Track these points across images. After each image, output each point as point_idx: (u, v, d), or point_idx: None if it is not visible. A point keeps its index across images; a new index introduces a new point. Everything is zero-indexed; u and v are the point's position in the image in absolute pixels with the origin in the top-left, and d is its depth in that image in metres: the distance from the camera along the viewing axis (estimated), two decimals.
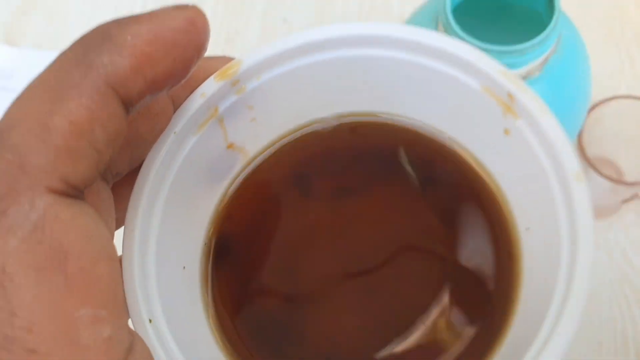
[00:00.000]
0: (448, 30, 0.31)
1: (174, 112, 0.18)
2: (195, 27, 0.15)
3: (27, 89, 0.13)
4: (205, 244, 0.20)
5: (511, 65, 0.32)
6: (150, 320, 0.16)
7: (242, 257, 0.20)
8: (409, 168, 0.21)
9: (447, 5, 0.32)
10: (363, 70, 0.19)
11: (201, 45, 0.15)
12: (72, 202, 0.13)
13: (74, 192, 0.13)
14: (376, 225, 0.20)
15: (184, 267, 0.18)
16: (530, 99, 0.17)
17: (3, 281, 0.11)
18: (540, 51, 0.32)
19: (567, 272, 0.15)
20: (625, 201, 0.49)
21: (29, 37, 0.64)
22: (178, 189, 0.18)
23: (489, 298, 0.19)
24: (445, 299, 0.19)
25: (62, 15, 0.65)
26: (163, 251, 0.17)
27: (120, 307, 0.13)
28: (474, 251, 0.19)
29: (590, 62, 0.39)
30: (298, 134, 0.21)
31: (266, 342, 0.19)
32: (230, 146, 0.20)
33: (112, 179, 0.16)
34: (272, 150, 0.21)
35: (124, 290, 0.15)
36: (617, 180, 0.48)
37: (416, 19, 0.37)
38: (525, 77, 0.33)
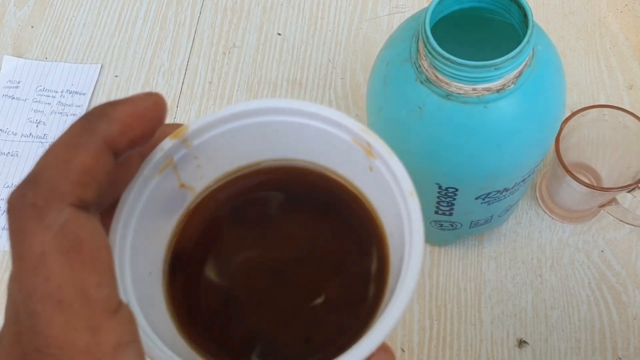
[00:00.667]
0: (427, 47, 0.34)
1: (142, 162, 0.24)
2: (158, 106, 0.22)
3: (54, 145, 0.20)
4: (164, 256, 0.26)
5: (487, 79, 0.34)
6: (127, 302, 0.21)
7: (192, 266, 0.27)
8: (311, 196, 0.28)
9: (426, 22, 0.34)
10: (274, 130, 0.26)
11: (162, 117, 0.22)
12: (85, 213, 0.19)
13: (86, 207, 0.19)
14: (291, 239, 0.28)
15: (150, 273, 0.25)
16: (381, 145, 0.24)
17: (42, 259, 0.18)
18: (514, 65, 0.34)
19: (408, 252, 0.22)
20: (603, 206, 0.51)
21: (36, 49, 0.66)
22: (145, 216, 0.24)
23: (370, 278, 0.26)
24: (342, 281, 0.27)
25: (67, 28, 0.67)
26: (135, 260, 0.24)
27: (114, 279, 0.19)
28: (362, 249, 0.27)
29: (565, 73, 0.41)
30: (232, 176, 0.28)
31: (209, 326, 0.26)
32: (182, 186, 0.26)
33: (99, 209, 0.22)
34: (213, 188, 0.28)
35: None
36: (594, 186, 0.50)
37: (400, 35, 0.40)
38: (500, 90, 0.35)
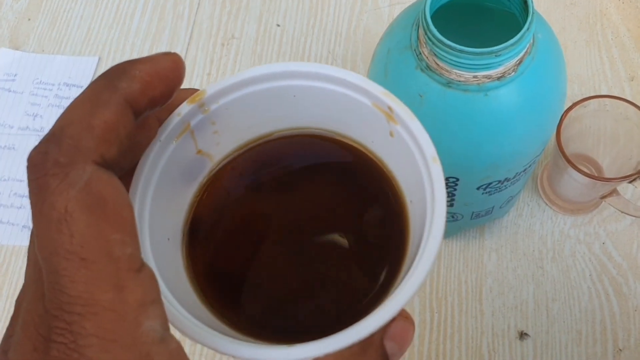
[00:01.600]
0: (427, 34, 0.34)
1: (159, 127, 0.24)
2: (177, 66, 0.21)
3: (75, 102, 0.19)
4: (183, 223, 0.26)
5: (487, 66, 0.34)
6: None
7: (208, 233, 0.27)
8: (329, 164, 0.28)
9: (426, 9, 0.34)
10: (292, 95, 0.25)
11: (181, 78, 0.22)
12: (107, 171, 0.19)
13: (108, 166, 0.19)
14: (310, 207, 0.28)
15: (169, 239, 0.25)
16: (403, 109, 0.24)
17: (66, 216, 0.17)
18: (514, 53, 0.34)
19: (430, 218, 0.22)
20: (604, 197, 0.51)
21: (33, 41, 0.66)
22: (163, 182, 0.24)
23: (389, 245, 0.26)
24: (361, 248, 0.26)
25: (64, 21, 0.67)
26: (153, 225, 0.23)
27: (137, 239, 0.19)
28: (380, 217, 0.27)
29: (567, 65, 0.41)
30: (250, 145, 0.28)
31: (229, 292, 0.26)
32: (199, 152, 0.26)
33: (119, 172, 0.21)
34: (232, 156, 0.28)
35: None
36: (595, 176, 0.50)
37: (401, 23, 0.39)
38: (500, 77, 0.35)
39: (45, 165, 0.18)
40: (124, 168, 0.23)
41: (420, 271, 0.21)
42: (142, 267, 0.18)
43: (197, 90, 0.25)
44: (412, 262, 0.22)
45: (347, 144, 0.27)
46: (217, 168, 0.27)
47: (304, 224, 0.27)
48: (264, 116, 0.27)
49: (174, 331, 0.20)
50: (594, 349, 0.49)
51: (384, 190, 0.26)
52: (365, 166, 0.27)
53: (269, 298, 0.26)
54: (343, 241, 0.26)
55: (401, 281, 0.22)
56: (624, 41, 0.61)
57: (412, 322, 0.22)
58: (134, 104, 0.20)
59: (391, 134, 0.24)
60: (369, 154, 0.27)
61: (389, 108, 0.24)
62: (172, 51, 0.22)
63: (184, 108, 0.24)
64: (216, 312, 0.24)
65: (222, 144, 0.27)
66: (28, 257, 0.20)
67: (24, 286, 0.19)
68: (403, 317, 0.22)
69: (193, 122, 0.25)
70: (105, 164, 0.19)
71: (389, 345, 0.22)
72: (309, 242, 0.26)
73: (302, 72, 0.25)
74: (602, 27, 0.63)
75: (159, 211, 0.24)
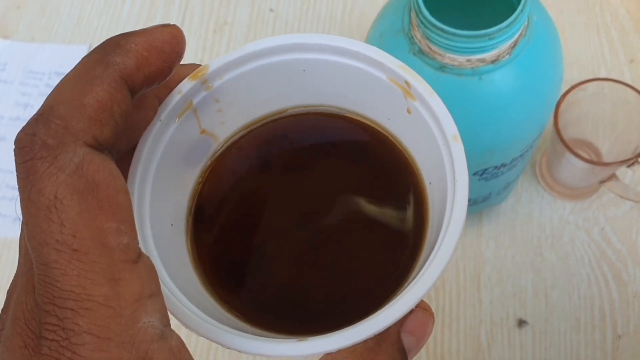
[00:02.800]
0: (419, 16, 0.33)
1: (159, 106, 0.23)
2: (176, 39, 0.20)
3: (65, 79, 0.18)
4: (187, 207, 0.25)
5: (481, 49, 0.33)
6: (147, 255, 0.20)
7: (214, 217, 0.25)
8: (341, 144, 0.26)
9: None
10: (301, 70, 0.24)
11: (180, 52, 0.20)
12: (100, 154, 0.18)
13: (102, 148, 0.18)
14: (321, 190, 0.26)
15: (172, 224, 0.23)
16: (421, 84, 0.22)
17: (55, 203, 0.16)
18: (508, 35, 0.33)
19: (451, 202, 0.21)
20: (603, 182, 0.50)
21: (22, 30, 0.65)
22: (165, 164, 0.23)
23: (405, 230, 0.24)
24: (376, 233, 0.25)
25: (54, 8, 0.66)
26: (155, 211, 0.22)
27: (134, 227, 0.18)
28: (397, 200, 0.25)
29: (565, 48, 0.40)
30: (257, 123, 0.26)
31: (236, 280, 0.24)
32: (203, 132, 0.25)
33: (115, 155, 0.20)
34: (237, 136, 0.26)
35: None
36: (593, 161, 0.49)
37: (393, 6, 0.38)
38: (495, 61, 0.34)
39: (33, 147, 0.17)
40: (121, 150, 0.22)
41: (441, 259, 0.20)
42: (139, 257, 0.17)
43: (199, 65, 0.23)
44: (431, 249, 0.21)
45: (360, 121, 0.26)
46: (222, 149, 0.26)
47: (315, 207, 0.25)
48: (272, 93, 0.25)
49: (174, 322, 0.19)
50: (593, 335, 0.49)
51: (401, 171, 0.25)
52: (380, 145, 0.25)
53: (277, 285, 0.24)
54: (357, 225, 0.25)
55: (420, 269, 0.21)
56: (623, 23, 0.60)
57: (431, 314, 0.21)
58: (129, 80, 0.19)
59: (409, 111, 0.23)
60: (384, 133, 0.25)
61: (406, 83, 0.22)
62: (171, 23, 0.20)
63: (186, 85, 0.23)
64: (222, 300, 0.23)
65: (227, 123, 0.25)
66: (20, 245, 0.19)
67: (16, 276, 0.18)
68: (422, 308, 0.20)
69: (196, 100, 0.23)
70: (99, 146, 0.18)
71: (407, 339, 0.21)
72: (321, 227, 0.25)
73: (312, 44, 0.23)
74: (601, 9, 0.61)
75: (161, 196, 0.22)
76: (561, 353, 0.48)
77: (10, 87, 0.62)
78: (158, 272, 0.19)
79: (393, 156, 0.25)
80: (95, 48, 0.19)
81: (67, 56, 0.63)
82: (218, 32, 0.63)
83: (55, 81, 0.62)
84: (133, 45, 0.19)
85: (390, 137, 0.25)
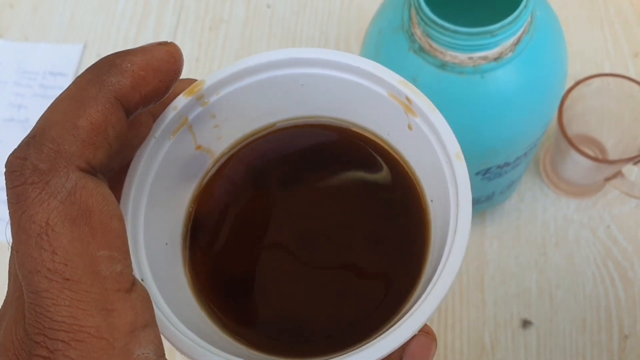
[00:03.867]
0: (419, 13, 0.32)
1: (153, 123, 0.22)
2: (174, 57, 0.19)
3: (58, 99, 0.18)
4: (183, 225, 0.24)
5: (483, 47, 0.32)
6: (142, 280, 0.20)
7: (212, 235, 0.24)
8: (341, 158, 0.26)
9: None
10: (299, 84, 0.23)
11: (178, 70, 0.20)
12: (94, 178, 0.17)
13: (95, 172, 0.17)
14: (321, 205, 0.25)
15: (167, 244, 0.23)
16: (422, 100, 0.21)
17: (47, 230, 0.16)
18: (511, 32, 0.32)
19: (454, 222, 0.20)
20: (609, 179, 0.49)
21: (15, 29, 0.64)
22: (160, 182, 0.22)
23: (406, 250, 0.24)
24: (374, 252, 0.24)
25: (47, 8, 0.65)
26: (149, 231, 0.21)
27: (128, 254, 0.17)
28: (397, 217, 0.24)
29: (568, 42, 0.39)
30: (254, 137, 0.25)
31: (234, 300, 0.24)
32: (199, 147, 0.24)
33: (108, 174, 0.19)
34: (233, 150, 0.25)
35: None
36: (598, 158, 0.48)
37: (392, 2, 0.37)
38: (497, 58, 0.33)
39: (24, 172, 0.16)
40: (114, 169, 0.21)
41: (444, 281, 0.19)
42: (133, 286, 0.17)
43: (195, 80, 0.23)
44: (433, 270, 0.20)
45: (361, 136, 0.25)
46: (219, 164, 0.25)
47: (314, 224, 0.25)
48: (269, 107, 0.24)
49: (171, 349, 0.18)
50: (599, 336, 0.48)
51: (402, 187, 0.24)
52: (381, 161, 0.25)
53: (275, 306, 0.24)
54: (356, 244, 0.24)
55: (421, 290, 0.20)
56: (627, 16, 0.59)
57: (434, 338, 0.20)
58: (125, 101, 0.18)
59: (410, 127, 0.23)
60: (386, 148, 0.25)
61: (407, 99, 0.22)
62: (167, 40, 0.20)
63: (181, 101, 0.22)
64: (220, 322, 0.23)
65: (223, 138, 0.25)
66: (9, 271, 0.18)
67: (5, 302, 0.18)
68: (424, 332, 0.20)
69: (191, 116, 0.23)
70: (92, 170, 0.17)
71: None
72: (319, 245, 0.24)
73: (310, 59, 0.22)
74: (604, 2, 0.60)
75: (155, 215, 0.22)
76: (566, 354, 0.48)
77: (3, 87, 0.61)
78: (152, 296, 0.18)
79: (394, 171, 0.24)
80: (90, 67, 0.18)
81: (61, 55, 0.62)
82: (214, 29, 0.62)
83: (50, 81, 0.61)
84: (129, 65, 0.18)
85: (392, 152, 0.25)
